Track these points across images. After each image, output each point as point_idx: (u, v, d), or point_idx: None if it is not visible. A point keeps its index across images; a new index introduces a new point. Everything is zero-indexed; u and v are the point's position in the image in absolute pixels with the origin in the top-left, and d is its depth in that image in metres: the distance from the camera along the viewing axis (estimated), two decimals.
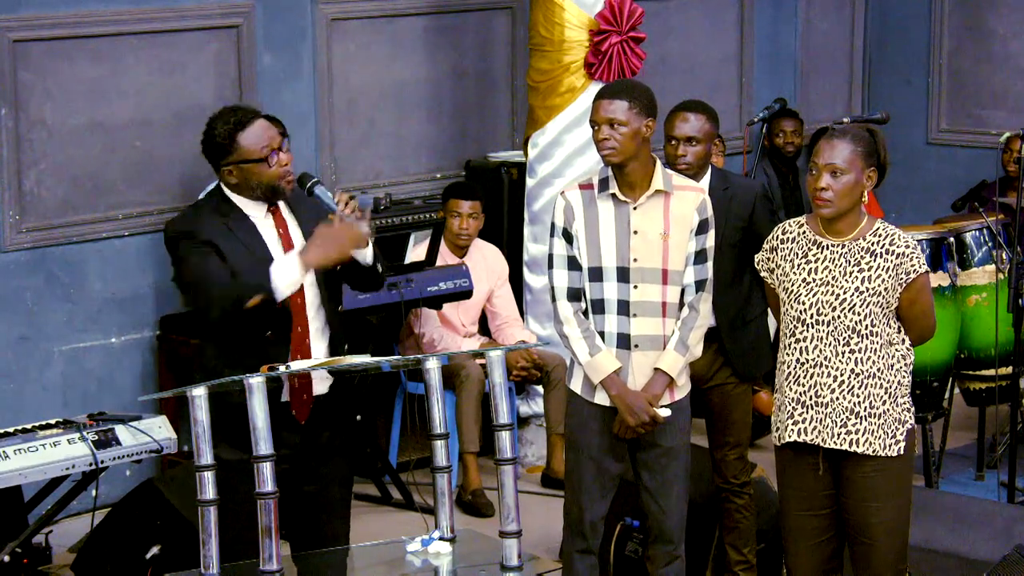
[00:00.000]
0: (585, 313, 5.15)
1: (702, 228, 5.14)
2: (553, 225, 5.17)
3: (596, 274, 5.11)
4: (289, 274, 4.68)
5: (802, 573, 5.01)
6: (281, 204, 4.88)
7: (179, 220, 4.94)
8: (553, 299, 5.19)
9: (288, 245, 4.82)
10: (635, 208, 5.10)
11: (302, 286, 4.79)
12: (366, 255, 4.84)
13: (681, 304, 5.15)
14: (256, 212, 4.82)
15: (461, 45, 8.27)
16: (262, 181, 4.76)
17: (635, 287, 5.09)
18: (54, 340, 7.02)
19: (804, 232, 4.93)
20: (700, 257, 5.14)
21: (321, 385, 4.88)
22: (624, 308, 5.10)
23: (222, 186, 4.83)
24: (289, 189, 4.81)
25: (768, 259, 5.00)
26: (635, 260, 5.08)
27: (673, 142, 5.69)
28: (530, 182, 7.67)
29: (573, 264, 5.14)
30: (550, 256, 5.18)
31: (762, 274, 5.05)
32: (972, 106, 9.75)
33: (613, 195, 5.11)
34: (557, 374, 7.30)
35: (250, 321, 4.69)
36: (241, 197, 4.81)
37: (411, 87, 8.11)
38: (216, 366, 4.72)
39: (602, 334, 5.13)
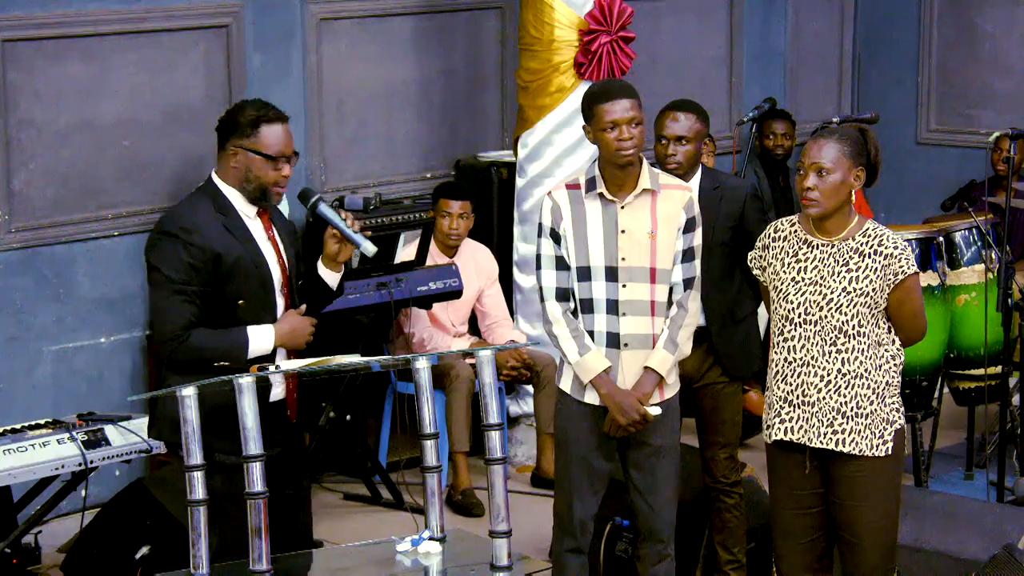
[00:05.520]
0: (574, 313, 5.15)
1: (689, 226, 5.14)
2: (541, 225, 5.17)
3: (584, 273, 5.11)
4: (264, 345, 4.75)
5: (791, 572, 5.02)
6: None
7: (174, 216, 4.80)
8: (542, 299, 5.18)
9: (277, 250, 4.86)
10: (622, 207, 5.09)
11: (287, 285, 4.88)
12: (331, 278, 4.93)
13: (670, 303, 5.16)
14: (248, 211, 4.85)
15: (451, 45, 8.26)
16: (259, 178, 4.77)
17: (623, 286, 5.09)
18: (43, 340, 7.01)
19: (795, 231, 4.93)
20: (688, 255, 5.14)
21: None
22: (613, 307, 5.10)
23: (215, 179, 4.83)
24: (277, 200, 4.88)
25: (760, 257, 5.00)
26: (623, 259, 5.08)
27: (663, 141, 5.69)
28: (520, 182, 7.67)
29: (561, 264, 5.14)
30: (538, 256, 5.17)
31: (754, 272, 5.05)
32: (961, 106, 9.75)
33: (600, 194, 5.11)
34: (547, 374, 7.30)
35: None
36: (234, 191, 4.81)
37: (401, 87, 8.11)
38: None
39: (591, 333, 5.12)
